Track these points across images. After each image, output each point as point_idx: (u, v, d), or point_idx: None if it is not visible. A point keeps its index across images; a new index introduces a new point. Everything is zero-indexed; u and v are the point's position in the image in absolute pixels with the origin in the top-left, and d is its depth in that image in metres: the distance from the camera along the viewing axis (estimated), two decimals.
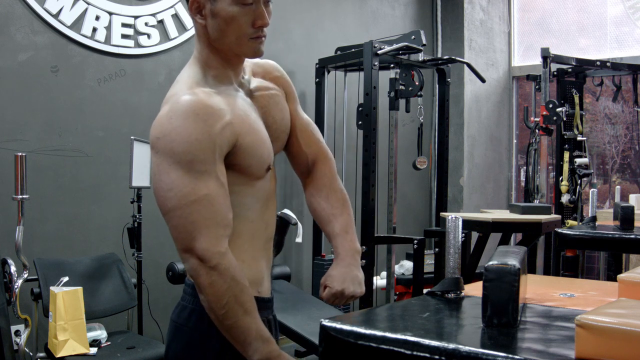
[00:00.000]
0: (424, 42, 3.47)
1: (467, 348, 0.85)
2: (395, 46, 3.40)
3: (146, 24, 3.42)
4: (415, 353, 0.88)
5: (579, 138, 4.10)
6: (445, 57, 3.88)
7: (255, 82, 1.44)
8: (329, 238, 1.46)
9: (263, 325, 1.26)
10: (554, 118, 3.72)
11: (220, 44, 1.31)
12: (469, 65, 3.85)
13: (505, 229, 3.16)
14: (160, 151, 1.21)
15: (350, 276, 1.39)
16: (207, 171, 1.20)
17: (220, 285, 1.20)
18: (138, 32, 3.39)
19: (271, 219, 1.40)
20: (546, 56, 3.84)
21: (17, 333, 2.81)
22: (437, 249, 3.52)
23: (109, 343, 2.76)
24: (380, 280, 3.91)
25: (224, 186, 1.23)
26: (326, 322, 0.99)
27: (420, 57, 3.69)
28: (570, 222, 3.92)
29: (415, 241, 3.16)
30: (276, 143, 1.42)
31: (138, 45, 3.39)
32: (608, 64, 4.05)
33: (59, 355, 2.52)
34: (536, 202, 3.97)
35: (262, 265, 1.37)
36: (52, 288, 2.61)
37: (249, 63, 1.45)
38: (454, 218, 1.19)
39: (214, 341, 1.30)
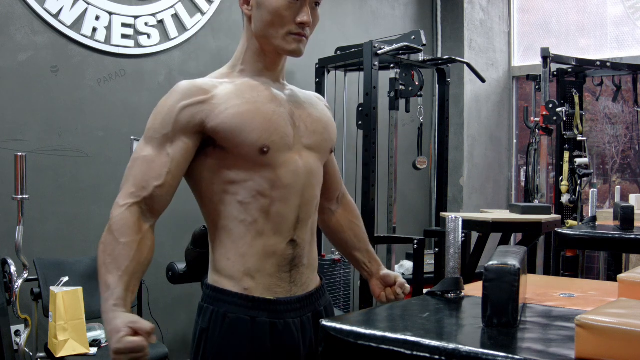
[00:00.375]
0: (424, 42, 3.47)
1: (467, 348, 0.85)
2: (395, 46, 3.40)
3: (146, 24, 3.42)
4: (415, 353, 0.88)
5: (579, 138, 4.10)
6: (445, 57, 3.88)
7: (296, 90, 1.49)
8: (365, 254, 1.66)
9: (114, 282, 1.22)
10: (554, 118, 3.72)
11: (261, 36, 1.37)
12: (469, 65, 3.85)
13: (505, 229, 3.16)
14: None
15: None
16: (155, 139, 1.31)
17: (103, 234, 1.27)
18: (138, 32, 3.39)
19: (286, 215, 1.36)
20: (546, 56, 3.84)
21: (17, 333, 2.81)
22: (437, 249, 3.52)
23: None
24: None
25: (168, 156, 1.30)
26: (326, 322, 0.99)
27: (420, 57, 3.68)
28: (570, 222, 3.92)
29: (415, 241, 3.16)
30: (311, 135, 1.43)
31: (138, 45, 3.39)
32: (608, 64, 4.05)
33: (59, 355, 2.52)
34: (536, 202, 3.97)
35: (253, 262, 1.34)
36: (52, 288, 2.61)
37: (306, 92, 1.54)
38: (454, 218, 1.19)
39: (243, 340, 1.30)
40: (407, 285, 1.61)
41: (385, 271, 1.63)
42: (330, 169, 1.60)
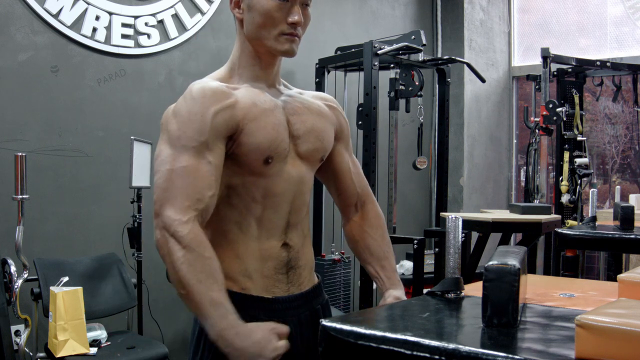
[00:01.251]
0: (424, 42, 3.47)
1: (467, 348, 0.85)
2: (395, 46, 3.40)
3: (146, 24, 3.42)
4: (415, 353, 0.88)
5: (579, 138, 4.10)
6: (445, 57, 3.88)
7: (294, 93, 1.48)
8: (380, 270, 1.56)
9: (222, 298, 1.22)
10: (554, 118, 3.72)
11: (253, 39, 1.37)
12: (469, 65, 3.85)
13: (505, 229, 3.16)
14: (162, 127, 1.32)
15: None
16: (192, 147, 1.26)
17: (175, 252, 1.21)
18: (138, 32, 3.39)
19: (276, 221, 1.38)
20: (546, 56, 3.84)
21: (17, 333, 2.81)
22: (437, 249, 3.52)
23: (109, 343, 2.77)
24: None
25: (211, 164, 1.27)
26: (326, 322, 0.99)
27: (420, 57, 3.69)
28: (570, 222, 3.92)
29: (415, 241, 3.16)
30: (304, 144, 1.42)
31: (138, 45, 3.39)
32: (608, 64, 4.05)
33: (59, 355, 2.52)
34: (536, 202, 3.97)
35: (250, 263, 1.35)
36: (52, 288, 2.61)
37: (309, 92, 1.53)
38: (454, 218, 1.19)
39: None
40: None
41: (391, 298, 1.51)
42: (345, 173, 1.58)
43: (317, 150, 1.46)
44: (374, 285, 3.59)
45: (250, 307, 1.33)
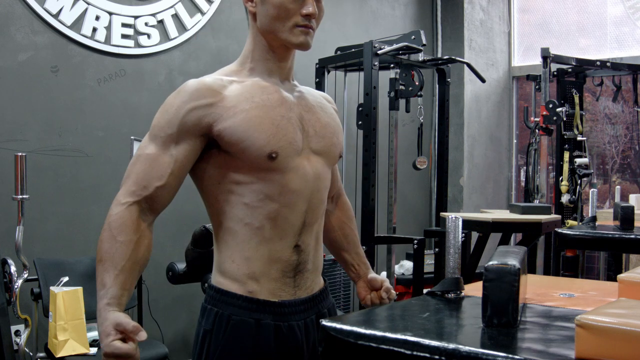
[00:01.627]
0: (424, 42, 3.47)
1: (467, 348, 0.85)
2: (395, 46, 3.40)
3: (146, 24, 3.42)
4: (415, 353, 0.88)
5: (579, 138, 4.10)
6: (445, 57, 3.87)
7: (306, 92, 1.48)
8: (354, 256, 1.65)
9: (109, 281, 1.22)
10: (554, 118, 3.72)
11: (267, 32, 1.36)
12: (469, 65, 3.85)
13: (505, 229, 3.16)
14: None
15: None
16: (159, 137, 1.30)
17: (103, 230, 1.27)
18: (138, 32, 3.39)
19: (292, 220, 1.36)
20: (546, 56, 3.84)
21: (17, 333, 2.81)
22: (437, 249, 3.52)
23: None
24: None
25: (172, 157, 1.29)
26: (326, 322, 0.99)
27: (420, 57, 3.68)
28: (570, 222, 3.92)
29: (415, 241, 3.16)
30: (320, 140, 1.42)
31: (138, 45, 3.39)
32: (608, 64, 4.05)
33: (59, 355, 2.52)
34: (536, 202, 3.96)
35: (258, 267, 1.34)
36: (52, 288, 2.60)
37: (316, 92, 1.54)
38: (454, 218, 1.19)
39: (247, 343, 1.31)
40: (393, 291, 1.58)
41: (372, 275, 1.60)
42: (334, 170, 1.60)
43: (334, 145, 1.45)
44: None
45: (255, 311, 1.32)
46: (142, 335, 1.18)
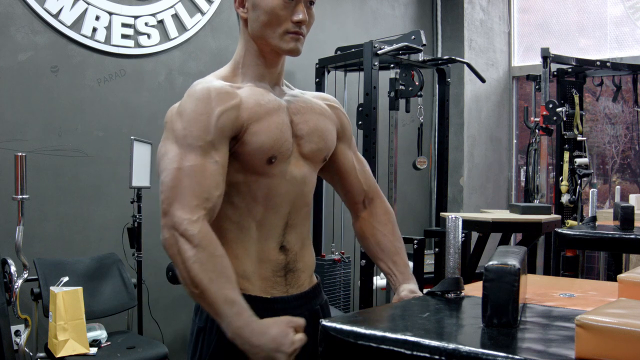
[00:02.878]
0: (424, 42, 3.47)
1: (467, 348, 0.85)
2: (395, 46, 3.40)
3: (146, 24, 3.42)
4: (415, 353, 0.88)
5: (579, 138, 4.10)
6: (445, 57, 3.88)
7: (297, 93, 1.48)
8: (392, 265, 1.54)
9: (235, 296, 1.21)
10: (554, 118, 3.72)
11: (258, 37, 1.37)
12: (469, 65, 3.85)
13: (505, 229, 3.16)
14: (167, 126, 1.32)
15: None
16: (199, 146, 1.26)
17: (186, 251, 1.21)
18: (138, 32, 3.39)
19: (275, 222, 1.38)
20: (546, 56, 3.84)
21: (17, 333, 2.81)
22: (437, 249, 3.52)
23: (109, 343, 2.77)
24: (380, 280, 3.91)
25: (217, 164, 1.27)
26: (326, 322, 0.99)
27: (420, 57, 3.69)
28: (570, 222, 3.92)
29: (415, 241, 3.16)
30: (307, 144, 1.42)
31: (138, 45, 3.39)
32: (608, 64, 4.05)
33: (59, 355, 2.52)
34: (536, 202, 3.97)
35: (248, 265, 1.35)
36: (52, 288, 2.61)
37: (311, 92, 1.53)
38: (454, 218, 1.19)
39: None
40: None
41: (405, 292, 1.47)
42: (349, 172, 1.58)
43: (321, 150, 1.45)
44: (374, 285, 3.59)
45: (250, 308, 1.33)
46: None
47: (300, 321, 1.23)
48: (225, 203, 1.34)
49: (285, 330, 1.20)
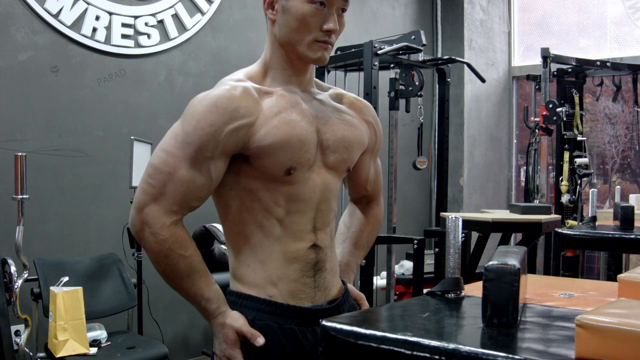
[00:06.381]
0: (424, 42, 3.47)
1: (467, 348, 0.85)
2: (395, 46, 3.40)
3: (146, 24, 3.42)
4: (415, 353, 0.87)
5: (579, 138, 4.10)
6: (445, 57, 3.87)
7: (329, 98, 1.45)
8: (347, 253, 1.59)
9: (203, 287, 1.30)
10: (554, 118, 3.72)
11: (285, 43, 1.33)
12: (469, 65, 3.85)
13: (505, 229, 3.16)
14: (180, 119, 1.30)
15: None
16: (195, 158, 1.26)
17: (157, 253, 1.28)
18: (138, 32, 3.39)
19: (303, 224, 1.36)
20: (546, 56, 3.84)
21: (17, 333, 2.81)
22: (437, 249, 3.52)
23: (109, 343, 2.77)
24: (380, 280, 3.91)
25: (208, 179, 1.28)
26: (326, 322, 0.99)
27: (420, 57, 3.68)
28: (570, 222, 3.92)
29: (415, 241, 3.16)
30: (332, 154, 1.39)
31: (138, 45, 3.39)
32: (608, 64, 4.05)
33: (59, 355, 2.52)
34: (536, 202, 3.97)
35: (274, 269, 1.33)
36: (52, 288, 2.61)
37: (347, 95, 1.50)
38: (454, 218, 1.18)
39: (273, 347, 1.31)
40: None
41: (353, 290, 1.53)
42: (364, 177, 1.57)
43: (345, 161, 1.42)
44: (374, 285, 3.59)
45: (279, 315, 1.32)
46: (260, 341, 1.28)
47: (249, 334, 1.29)
48: (246, 209, 1.32)
49: (228, 339, 1.29)
